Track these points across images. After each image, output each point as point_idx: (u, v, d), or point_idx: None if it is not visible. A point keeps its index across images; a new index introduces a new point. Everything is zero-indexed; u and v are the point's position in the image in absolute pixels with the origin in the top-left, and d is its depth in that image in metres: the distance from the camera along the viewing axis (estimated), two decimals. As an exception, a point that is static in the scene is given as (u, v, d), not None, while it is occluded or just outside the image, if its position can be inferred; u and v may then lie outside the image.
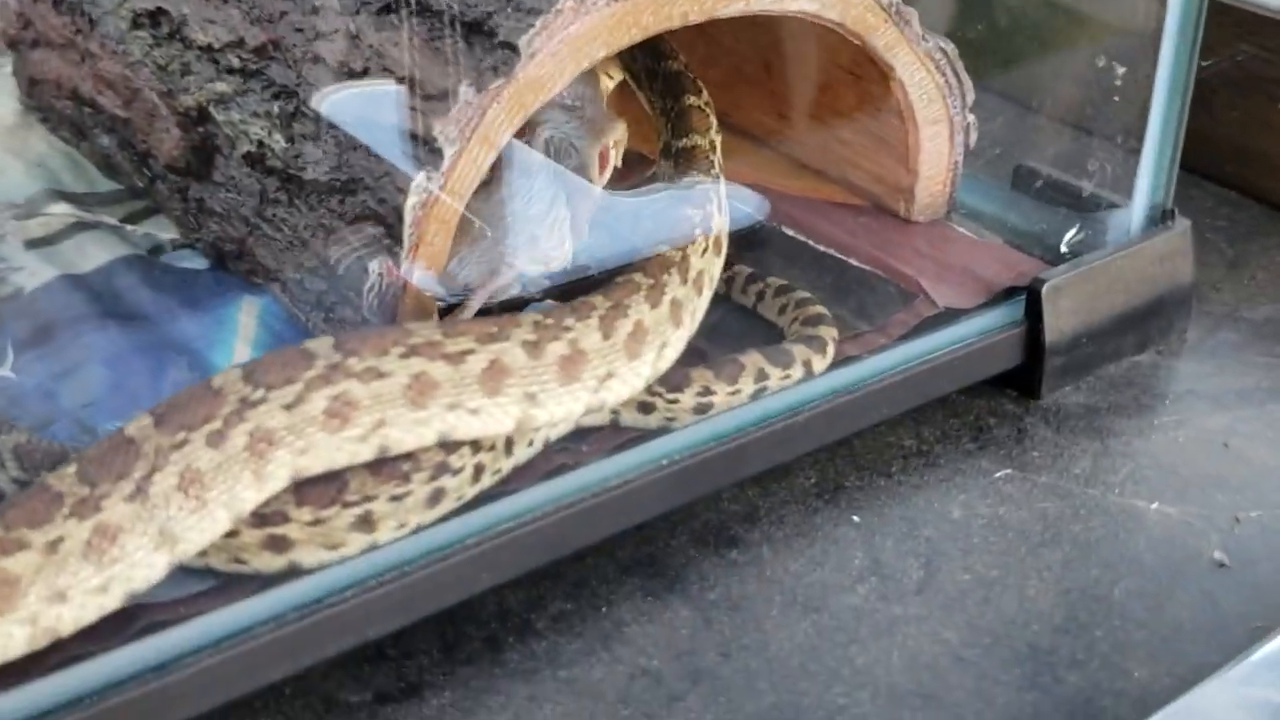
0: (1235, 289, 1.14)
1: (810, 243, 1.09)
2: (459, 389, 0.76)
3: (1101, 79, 1.08)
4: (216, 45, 1.01)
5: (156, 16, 1.07)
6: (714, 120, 0.98)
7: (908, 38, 1.02)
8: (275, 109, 0.96)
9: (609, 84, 1.06)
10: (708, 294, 0.90)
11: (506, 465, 0.82)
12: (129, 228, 1.10)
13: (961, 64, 1.06)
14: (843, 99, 1.12)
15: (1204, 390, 1.02)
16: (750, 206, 1.12)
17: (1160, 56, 1.00)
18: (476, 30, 0.88)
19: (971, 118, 1.09)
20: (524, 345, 0.77)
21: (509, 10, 0.87)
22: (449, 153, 0.85)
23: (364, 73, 0.91)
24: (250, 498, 0.72)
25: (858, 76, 1.09)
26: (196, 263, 1.06)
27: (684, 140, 0.95)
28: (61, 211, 1.11)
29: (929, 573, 0.86)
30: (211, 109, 1.00)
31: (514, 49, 0.85)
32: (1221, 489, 0.92)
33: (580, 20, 0.87)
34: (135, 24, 1.08)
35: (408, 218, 0.85)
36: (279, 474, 0.73)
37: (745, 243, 1.07)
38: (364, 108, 0.90)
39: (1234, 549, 0.87)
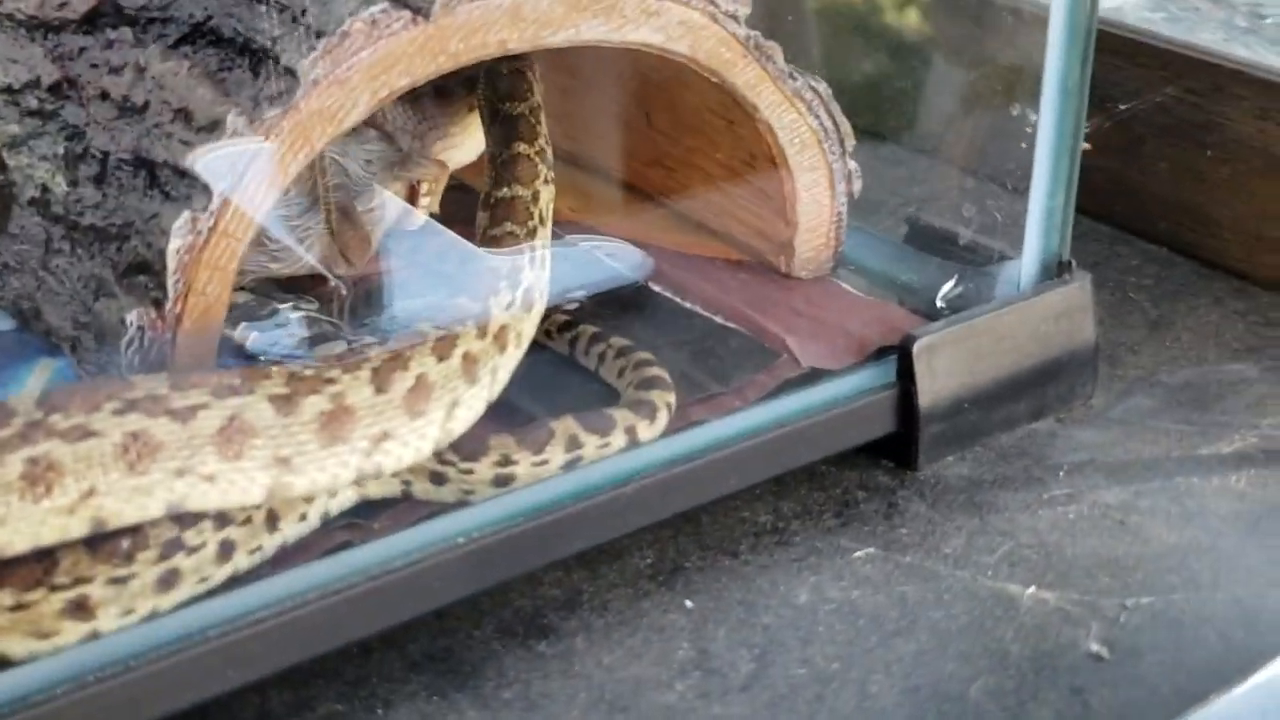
0: (1155, 351, 1.03)
1: (676, 299, 0.99)
2: (189, 451, 0.66)
3: (988, 123, 0.99)
4: (16, 85, 0.92)
5: (-32, 59, 0.99)
6: (544, 170, 0.89)
7: (771, 75, 0.93)
8: (62, 150, 0.87)
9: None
10: (515, 351, 0.80)
11: (269, 543, 0.72)
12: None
13: (837, 105, 0.97)
14: (720, 147, 1.03)
15: (1105, 461, 0.91)
16: (619, 262, 1.03)
17: (1043, 95, 0.91)
18: (263, 57, 0.79)
19: (853, 165, 0.99)
20: (272, 400, 0.68)
21: (298, 34, 0.79)
22: (218, 189, 0.76)
23: (144, 107, 0.82)
24: (-69, 578, 0.62)
25: (730, 121, 1.00)
26: (3, 324, 0.97)
27: (503, 190, 0.86)
28: None
29: (761, 666, 0.75)
30: (4, 153, 0.91)
31: (293, 74, 0.76)
32: (1111, 572, 0.82)
33: (374, 46, 0.78)
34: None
35: (170, 263, 0.76)
36: (-35, 550, 0.63)
37: (606, 300, 0.98)
38: (144, 145, 0.82)
39: (1118, 640, 0.76)
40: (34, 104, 0.91)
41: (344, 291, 0.95)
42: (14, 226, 0.92)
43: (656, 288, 1.01)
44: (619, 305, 0.98)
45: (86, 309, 0.82)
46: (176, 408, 0.65)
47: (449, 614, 0.78)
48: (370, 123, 0.96)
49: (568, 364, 0.93)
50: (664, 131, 1.09)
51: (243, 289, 0.95)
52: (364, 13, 0.77)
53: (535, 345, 0.93)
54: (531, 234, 0.83)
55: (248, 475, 0.67)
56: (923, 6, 1.18)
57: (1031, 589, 0.80)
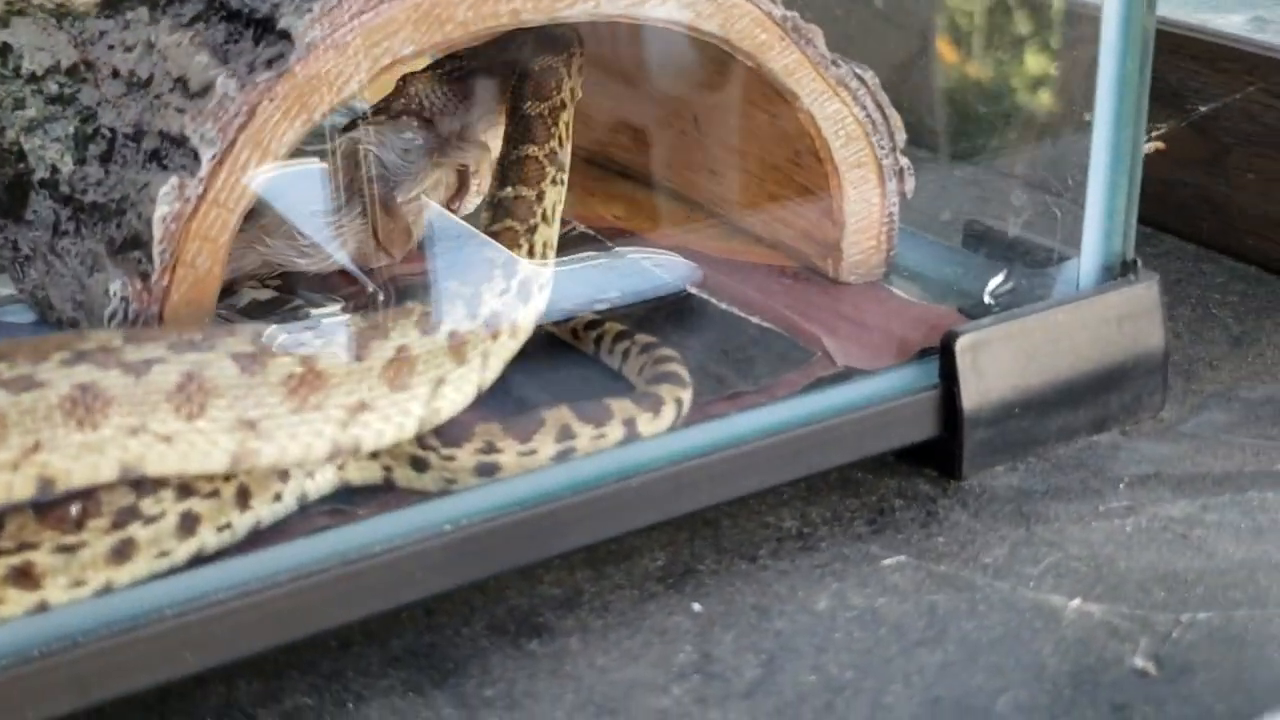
0: (1235, 367, 0.95)
1: (712, 300, 0.94)
2: (142, 408, 0.62)
3: (1041, 120, 0.93)
4: (40, 72, 0.91)
5: (4, 52, 0.98)
6: (552, 171, 0.84)
7: (811, 59, 0.88)
8: (73, 130, 0.85)
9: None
10: (508, 340, 0.75)
11: (240, 521, 0.68)
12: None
13: (885, 95, 0.91)
14: (763, 144, 0.98)
15: (1171, 474, 0.83)
16: (661, 271, 0.98)
17: (1097, 90, 0.84)
18: (264, 25, 0.76)
19: (905, 161, 0.93)
20: (236, 359, 0.63)
21: (294, 4, 0.75)
22: (207, 155, 0.73)
23: (149, 80, 0.80)
24: None
25: (772, 115, 0.95)
26: (24, 317, 0.95)
27: (506, 190, 0.82)
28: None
29: (768, 672, 0.68)
30: (21, 138, 0.89)
31: (289, 38, 0.73)
32: (1168, 586, 0.74)
33: (375, 9, 0.75)
34: (-15, 63, 1.00)
35: (157, 231, 0.72)
36: (-99, 507, 0.59)
37: (641, 306, 0.93)
38: (145, 119, 0.79)
39: (1168, 656, 0.69)
40: (54, 89, 0.89)
41: (372, 290, 0.91)
42: (29, 213, 0.90)
43: (695, 292, 0.95)
44: (653, 309, 0.93)
45: (81, 286, 0.79)
46: (130, 360, 0.62)
47: (439, 610, 0.73)
48: (408, 110, 0.93)
49: (592, 361, 0.88)
50: (710, 134, 1.04)
51: (269, 285, 0.92)
52: (364, -25, 0.74)
53: (561, 345, 0.89)
54: (532, 230, 0.79)
55: (209, 438, 0.63)
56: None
57: (1076, 601, 0.73)
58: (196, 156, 0.73)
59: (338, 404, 0.66)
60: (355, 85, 0.76)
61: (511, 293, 0.75)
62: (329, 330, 0.67)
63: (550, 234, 0.82)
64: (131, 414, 0.62)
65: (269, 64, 0.74)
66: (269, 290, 0.92)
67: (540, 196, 0.82)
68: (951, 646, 0.70)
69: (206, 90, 0.74)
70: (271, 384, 0.64)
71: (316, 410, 0.65)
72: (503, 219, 0.80)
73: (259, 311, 0.89)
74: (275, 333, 0.66)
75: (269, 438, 0.64)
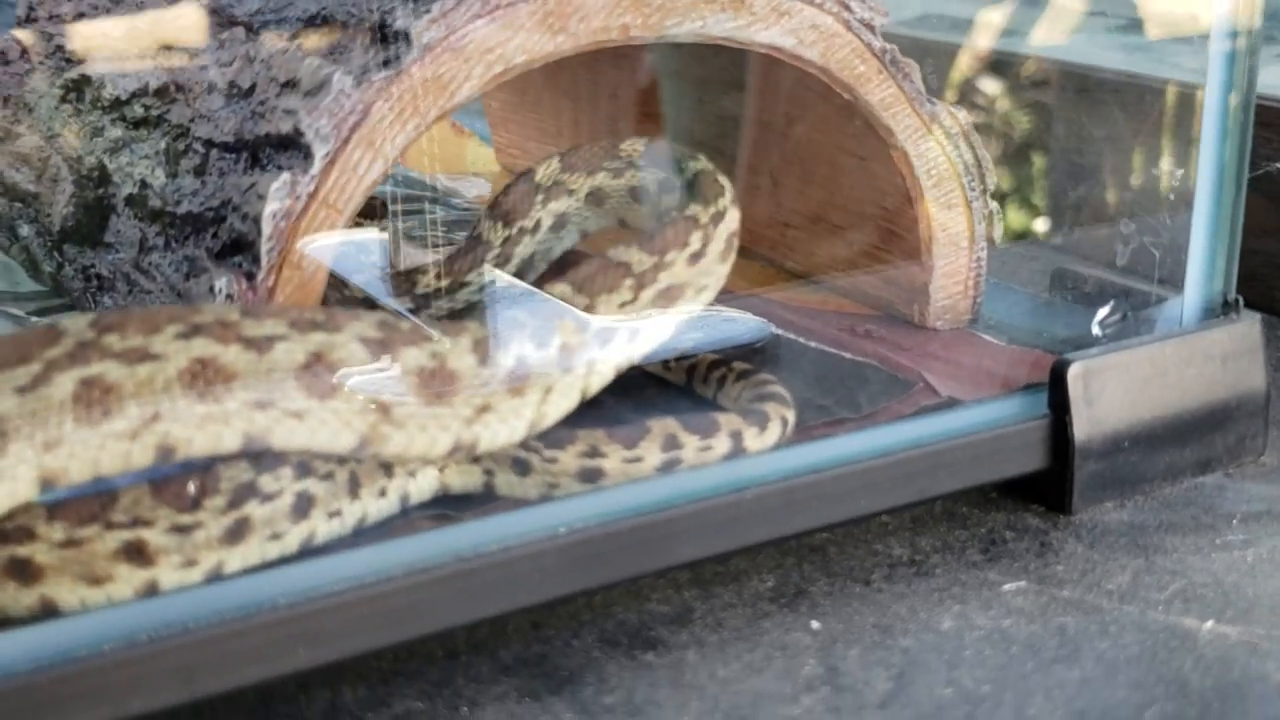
0: (1331, 420, 0.94)
1: (802, 340, 0.92)
2: (270, 384, 0.59)
3: (1142, 165, 0.93)
4: (124, 97, 0.90)
5: (81, 85, 0.97)
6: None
7: (908, 95, 0.88)
8: (164, 145, 0.84)
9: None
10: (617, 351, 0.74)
11: (349, 510, 0.65)
12: (34, 319, 0.98)
13: (978, 136, 0.91)
14: (850, 191, 0.97)
15: (1284, 513, 0.81)
16: (739, 328, 0.96)
17: (1203, 128, 0.84)
18: (375, 30, 0.76)
19: (994, 205, 0.93)
20: (364, 343, 0.61)
21: (411, 6, 0.75)
22: (320, 153, 0.71)
23: (251, 89, 0.79)
24: (-23, 502, 0.56)
25: (862, 158, 0.94)
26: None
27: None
28: (-37, 299, 1.00)
29: (899, 685, 0.65)
30: (106, 159, 0.88)
31: (406, 38, 0.72)
32: (1301, 612, 0.71)
33: (491, 14, 0.74)
34: (64, 98, 0.99)
35: (266, 228, 0.71)
36: (19, 474, 0.56)
37: (731, 350, 0.91)
38: (247, 127, 0.78)
39: (1315, 676, 0.66)
40: (140, 111, 0.88)
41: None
42: (109, 237, 0.88)
43: (783, 334, 0.94)
44: (744, 354, 0.91)
45: (177, 293, 0.77)
46: (251, 336, 0.59)
47: (545, 623, 0.70)
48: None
49: (685, 392, 0.86)
50: (790, 188, 1.03)
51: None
52: (482, -21, 0.74)
53: (652, 378, 0.87)
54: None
55: (342, 418, 0.61)
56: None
57: (1210, 623, 0.70)
58: (309, 154, 0.72)
59: (465, 402, 0.64)
60: (468, 91, 0.75)
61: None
62: (454, 330, 0.65)
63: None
64: (258, 390, 0.59)
65: (384, 64, 0.73)
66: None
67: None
68: (1089, 664, 0.67)
69: (320, 88, 0.72)
70: (406, 374, 0.62)
71: (447, 407, 0.63)
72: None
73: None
74: (399, 322, 0.64)
75: (400, 425, 0.62)
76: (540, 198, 0.84)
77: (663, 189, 0.83)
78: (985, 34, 1.33)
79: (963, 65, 1.30)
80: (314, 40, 0.79)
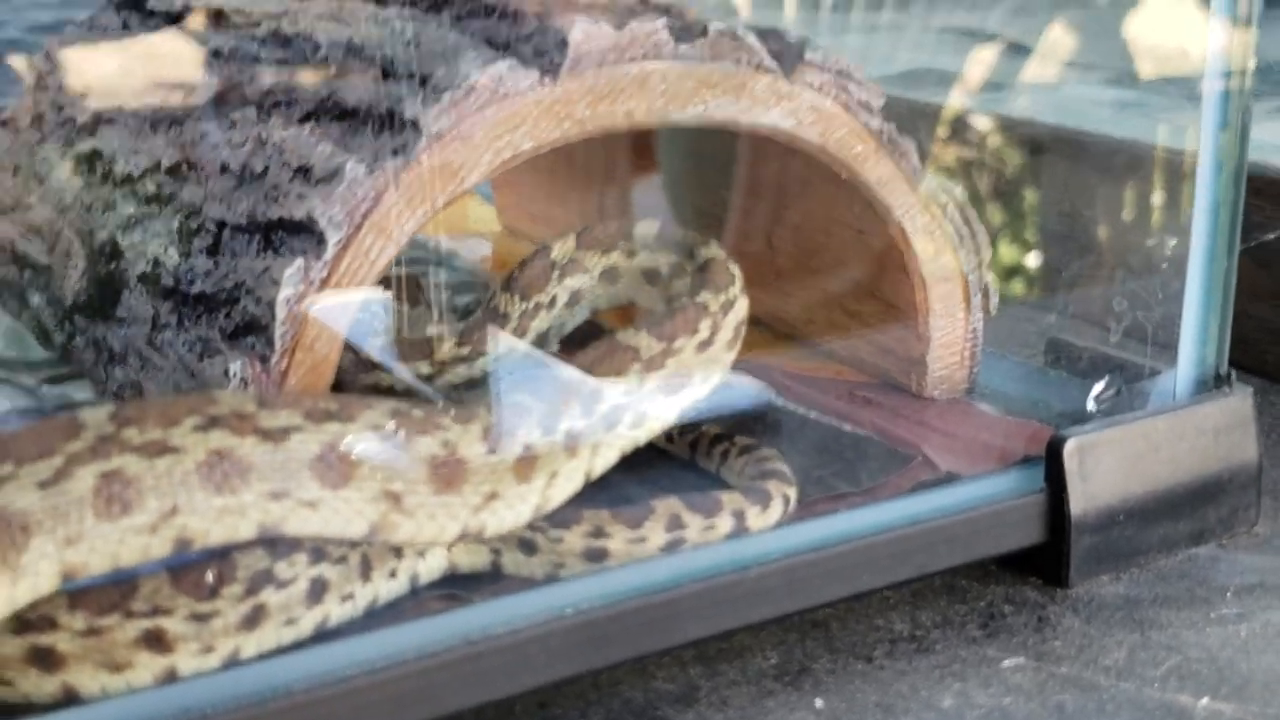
0: (1325, 486, 0.95)
1: (800, 410, 0.93)
2: (285, 475, 0.61)
3: (1136, 240, 0.95)
4: (136, 173, 0.92)
5: (93, 158, 0.99)
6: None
7: (904, 173, 0.90)
8: (177, 224, 0.85)
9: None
10: (625, 435, 0.75)
11: (362, 593, 0.67)
12: (45, 388, 1.00)
13: (973, 211, 0.93)
14: (847, 261, 0.99)
15: (1275, 584, 0.83)
16: (734, 393, 0.98)
17: (1196, 201, 0.86)
18: (386, 116, 0.77)
19: (990, 276, 0.94)
20: (377, 431, 0.63)
21: (421, 94, 0.77)
22: (333, 239, 0.73)
23: (263, 173, 0.81)
24: (1, 595, 0.57)
25: (860, 230, 0.96)
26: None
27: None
28: (-25, 367, 1.01)
29: (902, 765, 0.67)
30: (119, 236, 0.90)
31: (417, 127, 0.74)
32: (1295, 688, 0.73)
33: (499, 103, 0.76)
34: (75, 170, 1.01)
35: (279, 313, 0.72)
36: (41, 568, 0.58)
37: (725, 421, 0.92)
38: (259, 210, 0.79)
39: (1309, 755, 0.67)
40: (152, 188, 0.90)
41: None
42: (121, 312, 0.90)
43: (781, 403, 0.95)
44: (741, 422, 0.92)
45: (190, 373, 0.79)
46: (266, 427, 0.61)
47: (551, 703, 0.71)
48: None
49: (689, 466, 0.88)
50: (785, 253, 1.05)
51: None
52: (491, 69, 0.76)
53: (655, 451, 0.89)
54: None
55: (354, 506, 0.62)
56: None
57: (1205, 700, 0.71)
58: (322, 240, 0.73)
59: (474, 490, 0.65)
60: (477, 177, 0.76)
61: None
62: (465, 417, 0.66)
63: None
64: (273, 481, 0.60)
65: (395, 152, 0.74)
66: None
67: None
68: (1086, 742, 0.68)
69: (333, 176, 0.74)
70: (414, 462, 0.63)
71: (456, 494, 0.64)
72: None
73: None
74: (411, 410, 0.65)
75: (410, 514, 0.63)
76: (557, 274, 0.86)
77: (674, 272, 0.85)
78: (972, 90, 1.36)
79: (954, 104, 1.33)
80: (323, 125, 0.81)
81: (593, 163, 1.20)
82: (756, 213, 1.06)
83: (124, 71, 1.08)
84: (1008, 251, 1.21)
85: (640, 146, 1.19)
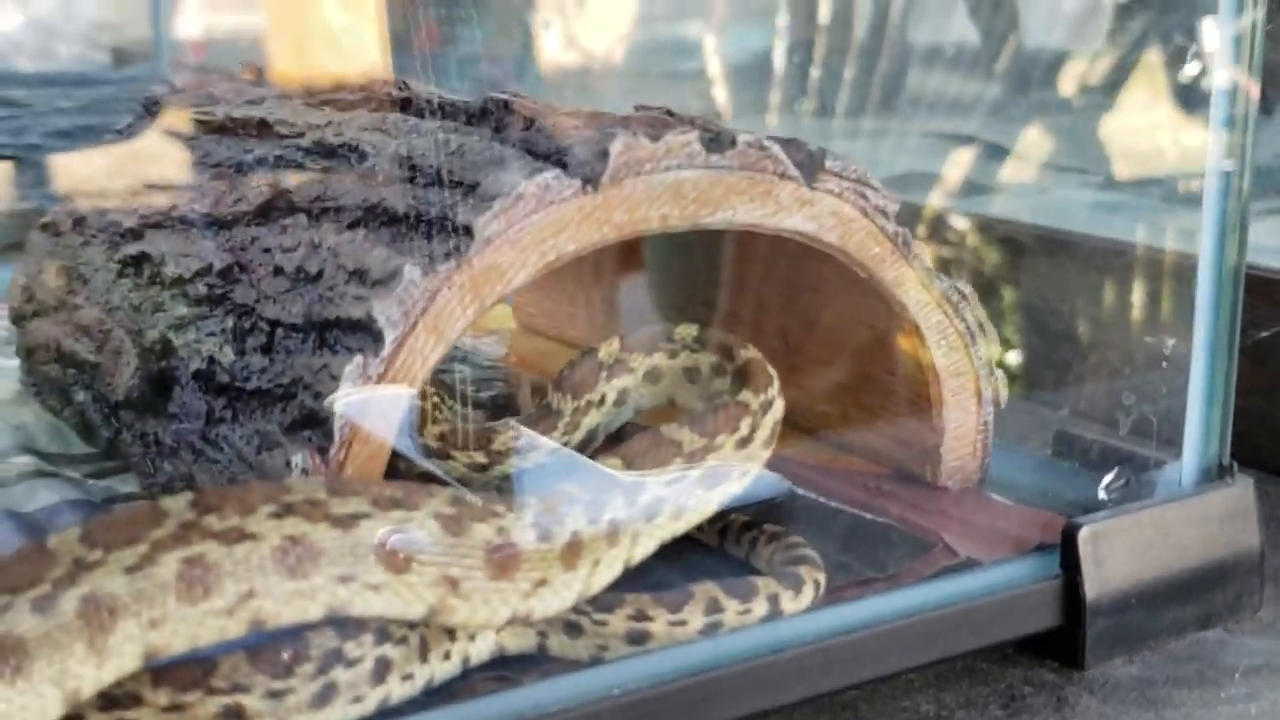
0: (1326, 572, 0.99)
1: (822, 500, 0.97)
2: (353, 559, 0.65)
3: (1141, 338, 0.99)
4: (186, 275, 0.96)
5: (140, 261, 1.03)
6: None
7: (918, 273, 0.95)
8: (230, 324, 0.90)
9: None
10: (665, 525, 0.79)
11: (420, 673, 0.70)
12: (90, 482, 1.03)
13: (983, 309, 0.98)
14: (862, 358, 1.04)
15: (1282, 666, 0.86)
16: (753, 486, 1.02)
17: (1198, 297, 0.91)
18: (437, 222, 0.82)
19: (1000, 372, 0.99)
20: (438, 518, 0.67)
21: (472, 200, 0.81)
22: (390, 337, 0.77)
23: (319, 275, 0.85)
24: (89, 675, 0.60)
25: (873, 327, 1.01)
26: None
27: None
28: (23, 462, 1.05)
29: (935, 838, 0.70)
30: (171, 335, 0.94)
31: (469, 232, 0.79)
32: (1304, 764, 0.76)
33: (545, 209, 0.81)
34: (121, 273, 1.05)
35: (338, 408, 0.76)
36: (126, 650, 0.61)
37: (750, 508, 0.96)
38: (315, 310, 0.84)
39: (1321, 826, 0.71)
40: (203, 290, 0.94)
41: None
42: (173, 407, 0.94)
43: (800, 491, 0.99)
44: (764, 511, 0.96)
45: (248, 465, 0.83)
46: (337, 514, 0.65)
47: (596, 778, 0.74)
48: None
49: (717, 554, 0.91)
50: (800, 350, 1.09)
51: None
52: (538, 178, 0.80)
53: (685, 538, 0.92)
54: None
55: (414, 590, 0.66)
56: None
57: (1221, 775, 0.75)
58: (379, 338, 0.77)
59: (525, 577, 0.69)
60: (523, 278, 0.81)
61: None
62: (521, 506, 0.71)
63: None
64: (341, 565, 0.64)
65: (448, 255, 0.79)
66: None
67: None
68: (1110, 815, 0.72)
69: (390, 278, 0.79)
70: (472, 548, 0.67)
71: (508, 581, 0.68)
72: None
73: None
74: (468, 498, 0.69)
75: (466, 598, 0.67)
76: (604, 374, 0.91)
77: (713, 372, 0.90)
78: (968, 197, 1.42)
79: (935, 204, 1.38)
80: (372, 231, 0.85)
81: (612, 261, 1.24)
82: (774, 314, 1.11)
83: (161, 178, 1.13)
84: (1008, 349, 1.26)
85: (652, 247, 1.24)
